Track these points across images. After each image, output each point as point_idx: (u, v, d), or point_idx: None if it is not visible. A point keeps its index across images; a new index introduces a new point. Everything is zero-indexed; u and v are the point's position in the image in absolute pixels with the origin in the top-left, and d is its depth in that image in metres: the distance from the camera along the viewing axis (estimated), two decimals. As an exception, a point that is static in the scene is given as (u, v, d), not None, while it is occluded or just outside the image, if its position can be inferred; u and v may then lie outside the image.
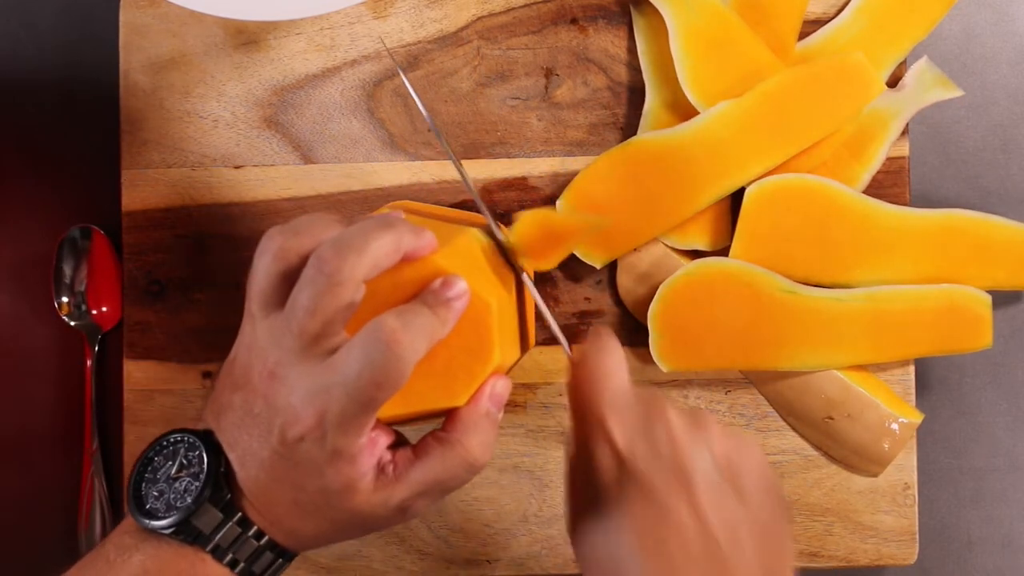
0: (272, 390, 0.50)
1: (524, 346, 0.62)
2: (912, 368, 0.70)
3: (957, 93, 0.68)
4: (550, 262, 0.60)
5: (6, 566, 0.74)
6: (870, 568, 0.70)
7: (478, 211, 0.63)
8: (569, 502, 0.54)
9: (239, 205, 0.71)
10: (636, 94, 0.71)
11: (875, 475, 0.69)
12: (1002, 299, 0.72)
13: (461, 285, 0.53)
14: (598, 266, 0.68)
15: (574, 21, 0.71)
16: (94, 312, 0.73)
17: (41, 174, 0.75)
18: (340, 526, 0.52)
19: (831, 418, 0.68)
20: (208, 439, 0.52)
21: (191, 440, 0.52)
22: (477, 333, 0.54)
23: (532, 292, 0.59)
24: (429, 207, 0.68)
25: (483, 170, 0.71)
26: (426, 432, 0.54)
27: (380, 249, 0.51)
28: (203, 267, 0.71)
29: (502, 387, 0.55)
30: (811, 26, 0.70)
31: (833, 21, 0.69)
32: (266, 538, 0.52)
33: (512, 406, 0.70)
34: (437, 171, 0.71)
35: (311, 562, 0.70)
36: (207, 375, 0.71)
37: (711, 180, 0.67)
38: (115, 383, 0.72)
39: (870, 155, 0.68)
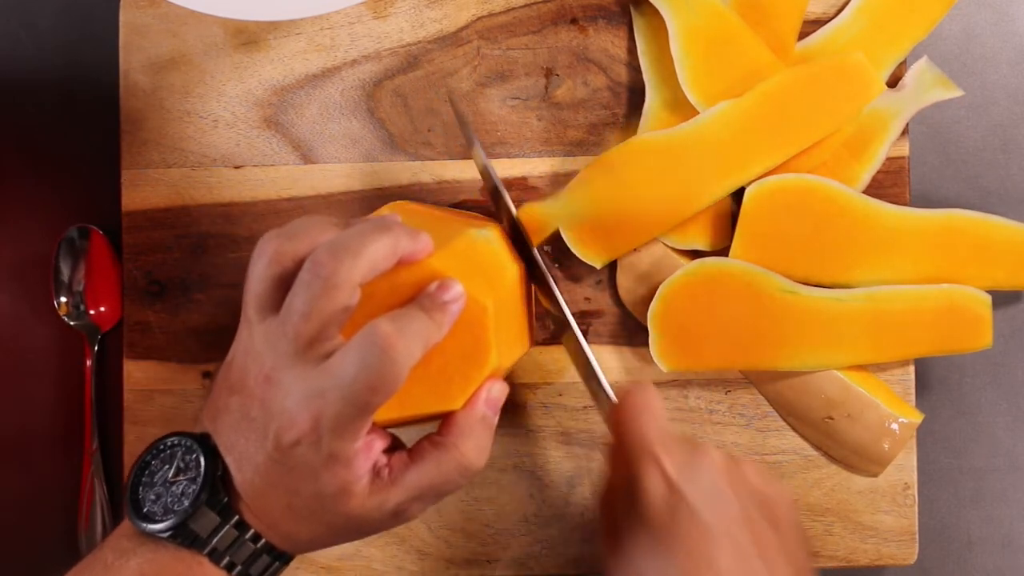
0: (268, 394, 0.50)
1: (524, 346, 0.62)
2: (912, 368, 0.70)
3: (957, 93, 0.68)
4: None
5: (6, 566, 0.74)
6: (870, 568, 0.70)
7: (489, 202, 0.64)
8: (606, 527, 0.55)
9: (239, 205, 0.71)
10: (636, 94, 0.70)
11: (875, 475, 0.69)
12: (1002, 299, 0.72)
13: (457, 288, 0.53)
14: (598, 266, 0.68)
15: (574, 21, 0.71)
16: (92, 312, 0.73)
17: (41, 174, 0.75)
18: (336, 530, 0.52)
19: (831, 418, 0.68)
20: (205, 443, 0.52)
21: (188, 443, 0.52)
22: (473, 336, 0.54)
23: (544, 273, 0.60)
24: (428, 207, 0.68)
25: (483, 170, 0.71)
26: (422, 435, 0.54)
27: (376, 252, 0.51)
28: (203, 267, 0.71)
29: (498, 391, 0.55)
30: (811, 26, 0.70)
31: (833, 21, 0.69)
32: (263, 541, 0.52)
33: (512, 406, 0.70)
34: (437, 171, 0.71)
35: (311, 562, 0.70)
36: (207, 375, 0.71)
37: (711, 180, 0.67)
38: (115, 383, 0.72)
39: (870, 155, 0.68)
